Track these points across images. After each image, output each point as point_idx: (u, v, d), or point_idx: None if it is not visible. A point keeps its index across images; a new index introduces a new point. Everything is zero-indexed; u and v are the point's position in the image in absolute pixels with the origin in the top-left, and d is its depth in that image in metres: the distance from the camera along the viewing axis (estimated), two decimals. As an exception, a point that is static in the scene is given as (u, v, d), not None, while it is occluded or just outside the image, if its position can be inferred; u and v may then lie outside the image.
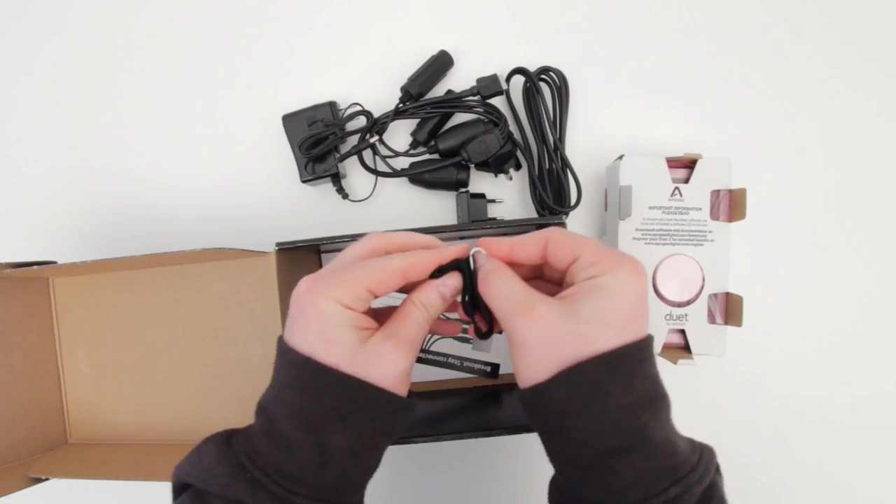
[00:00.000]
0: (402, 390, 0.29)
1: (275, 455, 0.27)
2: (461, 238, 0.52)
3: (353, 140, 0.51)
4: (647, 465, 0.24)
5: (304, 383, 0.27)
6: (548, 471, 0.30)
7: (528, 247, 0.30)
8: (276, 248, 0.42)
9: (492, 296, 0.29)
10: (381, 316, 0.32)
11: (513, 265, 0.30)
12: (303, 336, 0.28)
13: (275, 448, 0.27)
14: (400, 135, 0.52)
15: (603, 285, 0.26)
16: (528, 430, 0.40)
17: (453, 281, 0.31)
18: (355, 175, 0.53)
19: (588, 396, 0.25)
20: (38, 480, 0.41)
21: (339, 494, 0.28)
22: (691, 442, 0.27)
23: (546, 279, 0.33)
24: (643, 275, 0.26)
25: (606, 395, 0.25)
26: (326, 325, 0.27)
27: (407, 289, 0.31)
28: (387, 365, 0.28)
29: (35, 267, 0.42)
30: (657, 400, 0.26)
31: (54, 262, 0.43)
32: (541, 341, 0.26)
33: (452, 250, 0.31)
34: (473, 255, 0.32)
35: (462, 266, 0.31)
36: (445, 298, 0.31)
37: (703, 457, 0.26)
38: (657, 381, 0.26)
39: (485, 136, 0.48)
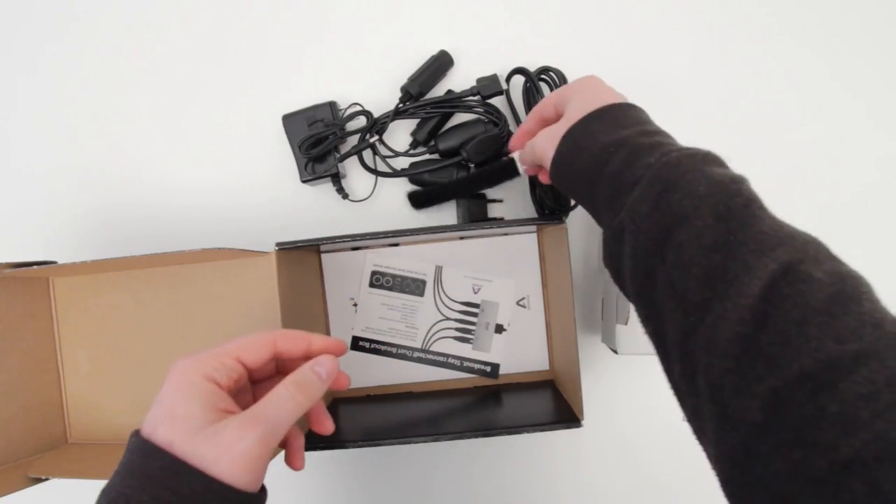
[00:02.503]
0: (244, 480, 0.25)
1: None
2: (461, 238, 0.52)
3: (353, 140, 0.51)
4: (631, 153, 0.30)
5: (132, 466, 0.25)
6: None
7: (542, 110, 0.39)
8: (277, 247, 0.43)
9: (524, 155, 0.41)
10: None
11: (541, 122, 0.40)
12: (153, 414, 0.26)
13: None
14: (400, 135, 0.52)
15: (573, 92, 0.36)
16: (528, 430, 0.40)
17: (328, 360, 0.30)
18: (355, 175, 0.53)
19: (580, 139, 0.33)
20: (38, 480, 0.41)
21: None
22: None
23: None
24: (592, 76, 0.38)
25: (594, 133, 0.32)
26: (177, 399, 0.26)
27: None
28: (227, 446, 0.25)
29: (35, 267, 0.42)
30: (645, 125, 0.33)
31: (54, 262, 0.43)
32: (546, 136, 0.35)
33: (325, 339, 0.32)
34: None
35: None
36: (321, 377, 0.29)
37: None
38: (645, 121, 0.33)
39: (485, 136, 0.48)
